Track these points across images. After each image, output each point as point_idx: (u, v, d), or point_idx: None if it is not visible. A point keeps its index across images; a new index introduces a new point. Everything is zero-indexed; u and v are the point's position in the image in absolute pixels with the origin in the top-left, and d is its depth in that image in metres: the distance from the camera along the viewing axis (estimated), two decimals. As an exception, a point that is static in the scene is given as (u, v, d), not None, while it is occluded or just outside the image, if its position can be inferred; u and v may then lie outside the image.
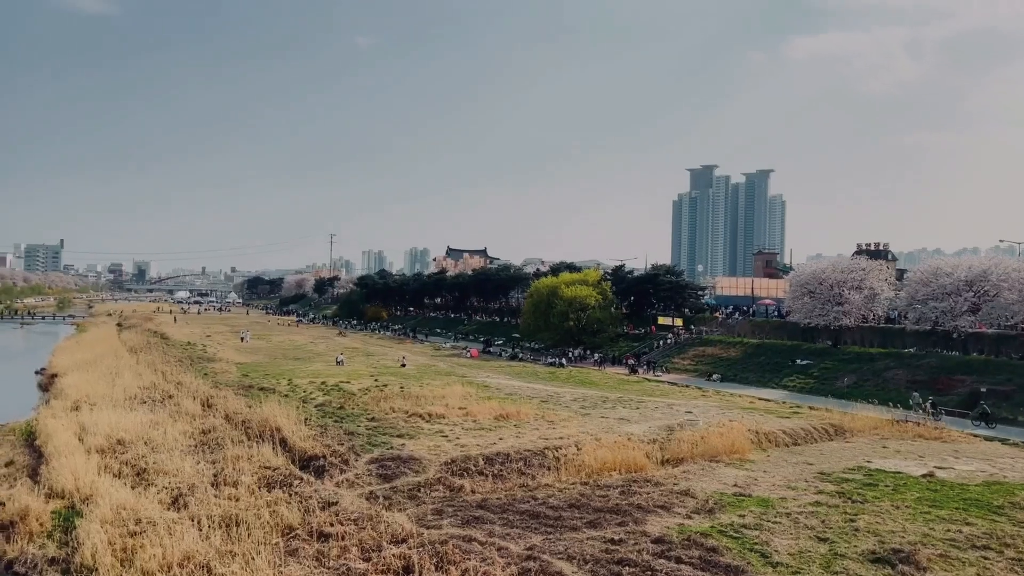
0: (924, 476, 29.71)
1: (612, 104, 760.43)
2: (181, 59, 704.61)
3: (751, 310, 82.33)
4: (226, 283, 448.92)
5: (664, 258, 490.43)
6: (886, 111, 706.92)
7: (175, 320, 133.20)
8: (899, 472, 30.43)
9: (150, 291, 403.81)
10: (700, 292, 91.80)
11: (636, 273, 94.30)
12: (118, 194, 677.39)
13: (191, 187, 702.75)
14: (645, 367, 68.01)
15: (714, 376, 63.09)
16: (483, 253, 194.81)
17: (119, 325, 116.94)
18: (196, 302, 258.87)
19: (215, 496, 24.85)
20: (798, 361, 61.81)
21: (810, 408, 47.48)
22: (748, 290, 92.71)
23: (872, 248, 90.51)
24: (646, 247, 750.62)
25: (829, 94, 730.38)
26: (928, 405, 43.27)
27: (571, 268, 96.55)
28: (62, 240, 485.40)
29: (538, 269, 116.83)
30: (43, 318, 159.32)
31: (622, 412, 42.90)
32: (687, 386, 59.27)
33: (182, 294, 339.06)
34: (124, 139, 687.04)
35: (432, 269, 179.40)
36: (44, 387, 56.56)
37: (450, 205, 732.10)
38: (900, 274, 74.61)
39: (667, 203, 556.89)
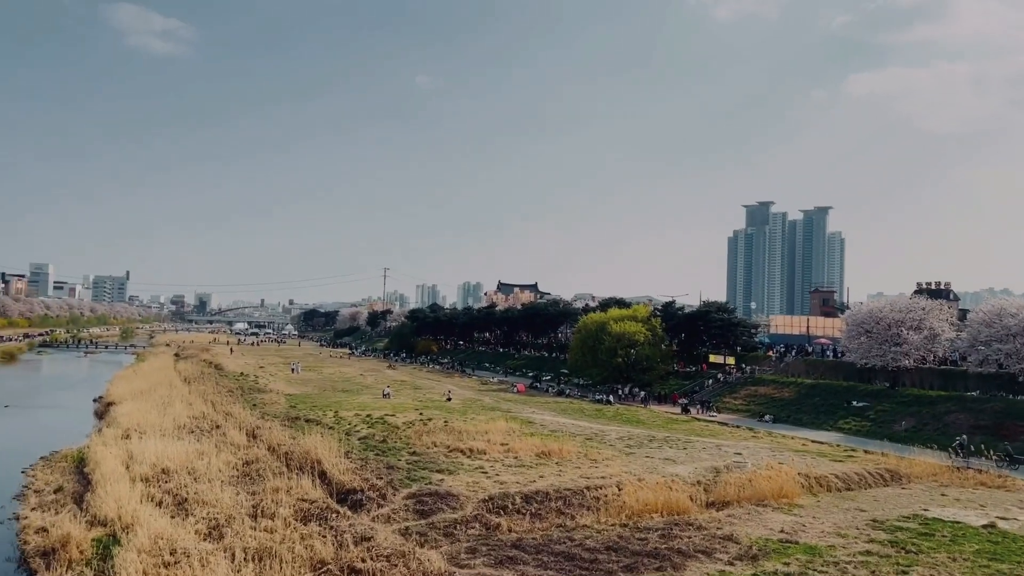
0: (985, 527, 28.25)
1: (667, 138, 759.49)
2: (245, 94, 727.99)
3: (807, 349, 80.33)
4: (284, 315, 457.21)
5: (719, 295, 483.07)
6: (949, 148, 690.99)
7: (231, 351, 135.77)
8: (957, 522, 28.99)
9: (210, 322, 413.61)
10: (753, 330, 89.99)
11: (687, 309, 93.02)
12: (181, 227, 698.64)
13: (252, 220, 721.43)
14: (699, 407, 66.23)
15: (766, 417, 61.47)
16: (534, 288, 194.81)
17: (176, 355, 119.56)
18: (253, 333, 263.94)
19: (251, 528, 24.91)
20: (854, 403, 59.87)
21: (865, 452, 45.80)
22: (803, 329, 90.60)
23: (933, 287, 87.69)
24: (700, 284, 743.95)
25: (890, 131, 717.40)
26: (991, 451, 41.34)
27: (620, 304, 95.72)
28: (128, 272, 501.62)
29: (587, 304, 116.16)
30: (106, 347, 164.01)
31: (668, 452, 41.95)
32: (737, 426, 57.81)
33: (240, 326, 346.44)
34: (189, 175, 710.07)
35: (484, 303, 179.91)
36: (100, 415, 57.92)
37: (504, 240, 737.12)
38: (962, 315, 71.94)
39: (722, 240, 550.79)
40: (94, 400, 65.93)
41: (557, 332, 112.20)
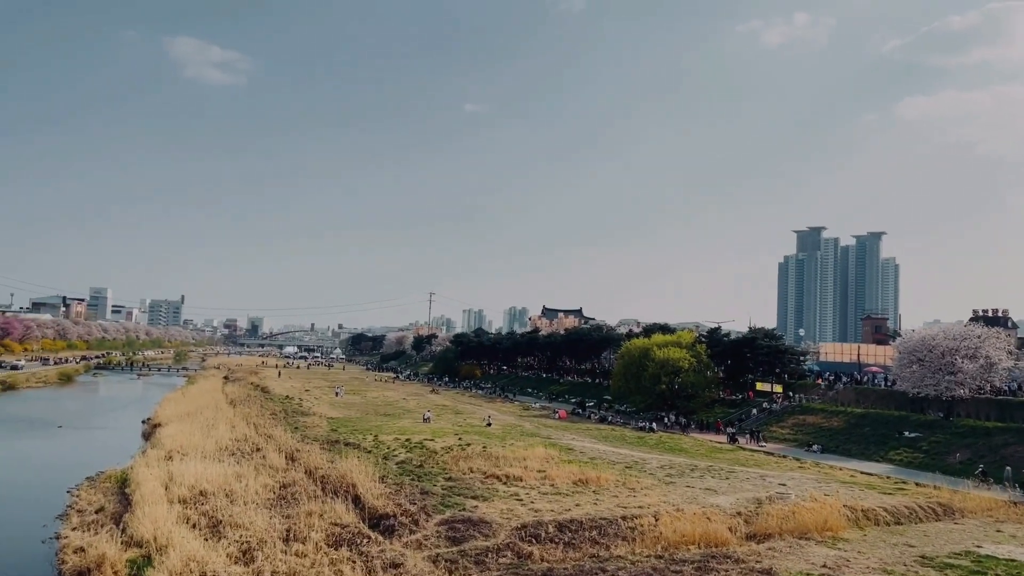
0: (1042, 566, 26.91)
1: (716, 164, 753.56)
2: (297, 122, 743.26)
3: (858, 377, 78.28)
4: (332, 339, 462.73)
5: (769, 322, 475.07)
6: (1008, 172, 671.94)
7: (279, 374, 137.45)
8: (1013, 560, 27.71)
9: (261, 346, 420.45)
10: (801, 357, 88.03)
11: (733, 336, 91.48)
12: (235, 251, 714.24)
13: (303, 245, 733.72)
14: (748, 436, 64.34)
15: (814, 446, 59.83)
16: (578, 313, 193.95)
17: (225, 378, 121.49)
18: (302, 357, 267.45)
19: (283, 552, 24.93)
20: (906, 433, 57.97)
21: (916, 485, 44.17)
22: (854, 356, 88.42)
23: (990, 315, 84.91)
24: (749, 310, 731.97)
25: (946, 154, 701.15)
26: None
27: (664, 329, 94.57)
28: (182, 296, 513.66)
29: (631, 330, 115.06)
30: (159, 370, 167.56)
31: (710, 482, 41.03)
32: (784, 456, 56.41)
33: (290, 349, 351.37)
34: (243, 201, 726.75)
35: (528, 328, 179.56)
36: (147, 436, 58.93)
37: (551, 265, 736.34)
38: (1021, 343, 69.46)
39: (772, 265, 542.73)
40: (143, 421, 67.17)
41: (600, 358, 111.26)
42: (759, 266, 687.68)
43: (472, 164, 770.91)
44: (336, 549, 25.62)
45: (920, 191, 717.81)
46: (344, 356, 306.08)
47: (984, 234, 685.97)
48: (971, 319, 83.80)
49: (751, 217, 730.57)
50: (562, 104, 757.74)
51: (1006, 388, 61.65)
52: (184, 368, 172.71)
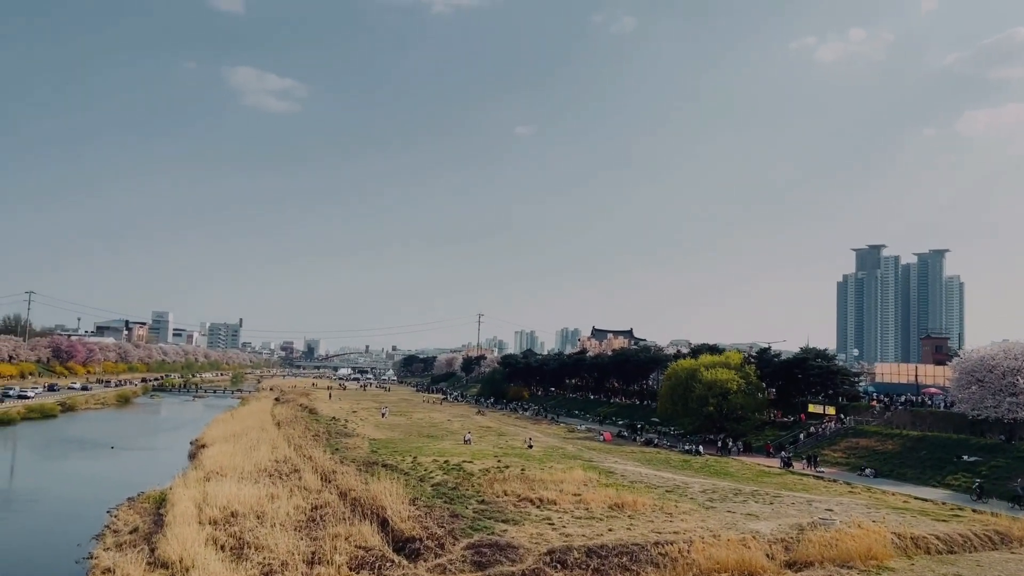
0: (1104, 601, 25.21)
1: (771, 182, 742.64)
2: (350, 146, 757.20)
3: (914, 399, 75.53)
4: (387, 361, 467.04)
5: (828, 343, 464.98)
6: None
7: (329, 396, 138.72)
8: (1073, 594, 26.02)
9: (317, 367, 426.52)
10: (855, 378, 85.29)
11: (783, 356, 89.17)
12: (292, 275, 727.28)
13: (358, 265, 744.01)
14: (805, 461, 61.06)
15: (866, 471, 57.66)
16: (628, 334, 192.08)
17: (276, 399, 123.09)
18: (355, 379, 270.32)
19: (304, 575, 24.71)
20: (964, 457, 55.46)
21: (973, 511, 42.12)
22: (912, 377, 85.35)
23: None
24: (807, 331, 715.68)
25: (1011, 168, 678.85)
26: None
27: (713, 350, 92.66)
28: (241, 319, 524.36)
29: (678, 350, 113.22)
30: (214, 392, 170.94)
31: (753, 507, 39.75)
32: (834, 481, 54.47)
33: (344, 371, 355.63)
34: (300, 225, 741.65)
35: (577, 349, 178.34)
36: (192, 456, 59.77)
37: (603, 286, 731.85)
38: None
39: (830, 285, 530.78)
40: (191, 442, 68.24)
41: (648, 379, 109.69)
42: (817, 286, 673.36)
43: (524, 184, 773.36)
44: (358, 573, 25.34)
45: (984, 206, 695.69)
46: (396, 377, 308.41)
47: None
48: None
49: (808, 236, 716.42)
50: (614, 124, 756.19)
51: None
52: (239, 390, 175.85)
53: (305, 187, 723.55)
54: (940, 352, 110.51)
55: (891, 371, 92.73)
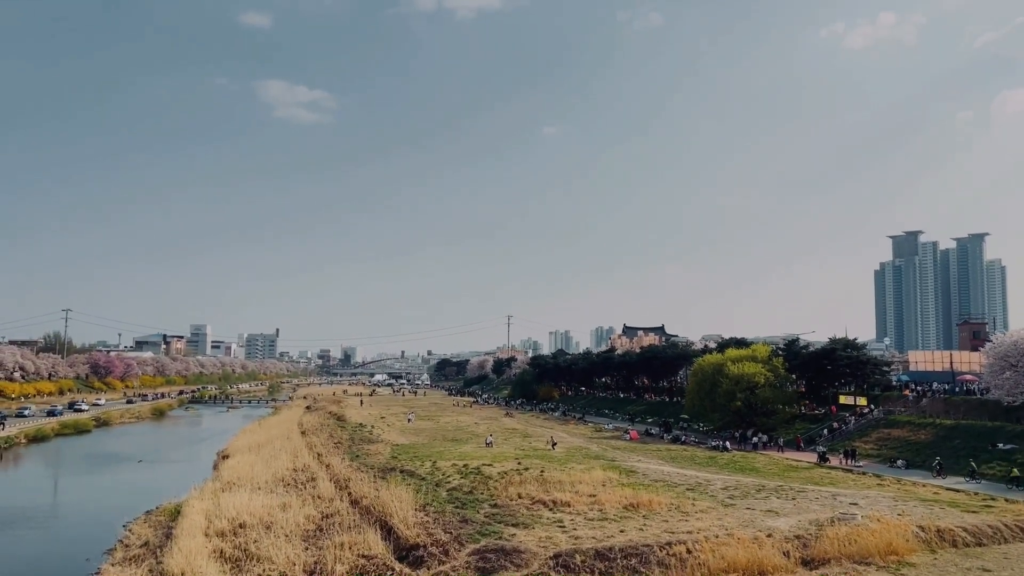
0: None
1: (805, 172, 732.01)
2: (384, 159, 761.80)
3: (948, 387, 73.47)
4: (422, 366, 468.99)
5: (867, 332, 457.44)
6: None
7: (361, 403, 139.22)
8: (1103, 586, 24.80)
9: (353, 375, 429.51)
10: (886, 368, 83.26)
11: (811, 348, 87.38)
12: (328, 283, 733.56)
13: (393, 272, 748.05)
14: (842, 456, 58.74)
15: (898, 462, 56.15)
16: (660, 331, 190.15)
17: (308, 408, 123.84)
18: (388, 384, 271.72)
19: (302, 585, 24.44)
20: (999, 445, 53.76)
21: (1006, 501, 40.70)
22: (947, 365, 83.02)
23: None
24: (845, 321, 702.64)
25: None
26: None
27: (740, 343, 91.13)
28: (277, 330, 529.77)
29: (706, 345, 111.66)
30: (249, 402, 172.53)
31: (774, 503, 38.78)
32: (864, 473, 53.12)
33: (379, 377, 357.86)
34: (333, 233, 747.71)
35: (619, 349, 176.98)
36: (216, 467, 60.07)
37: (637, 283, 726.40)
38: None
39: (867, 274, 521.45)
40: (217, 454, 68.67)
41: (677, 376, 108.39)
42: (855, 275, 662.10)
43: (554, 184, 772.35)
44: (358, 582, 24.97)
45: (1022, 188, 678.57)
46: (429, 382, 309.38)
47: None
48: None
49: (844, 224, 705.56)
50: (643, 121, 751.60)
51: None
52: (274, 400, 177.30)
53: (337, 196, 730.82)
54: (977, 338, 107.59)
55: (925, 359, 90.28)
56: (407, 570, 26.54)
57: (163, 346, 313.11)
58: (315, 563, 27.17)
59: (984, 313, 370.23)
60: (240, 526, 32.74)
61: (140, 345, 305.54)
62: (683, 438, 76.48)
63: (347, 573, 25.69)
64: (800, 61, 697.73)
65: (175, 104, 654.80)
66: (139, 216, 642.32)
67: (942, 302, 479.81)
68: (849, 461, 57.53)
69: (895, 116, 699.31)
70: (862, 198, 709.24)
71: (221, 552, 29.22)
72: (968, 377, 75.17)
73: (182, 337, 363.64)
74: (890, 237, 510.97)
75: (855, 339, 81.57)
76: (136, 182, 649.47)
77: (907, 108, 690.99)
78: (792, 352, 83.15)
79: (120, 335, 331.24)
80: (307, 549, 29.23)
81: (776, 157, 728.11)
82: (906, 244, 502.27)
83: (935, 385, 72.61)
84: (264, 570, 26.02)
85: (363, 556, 27.43)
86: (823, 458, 59.06)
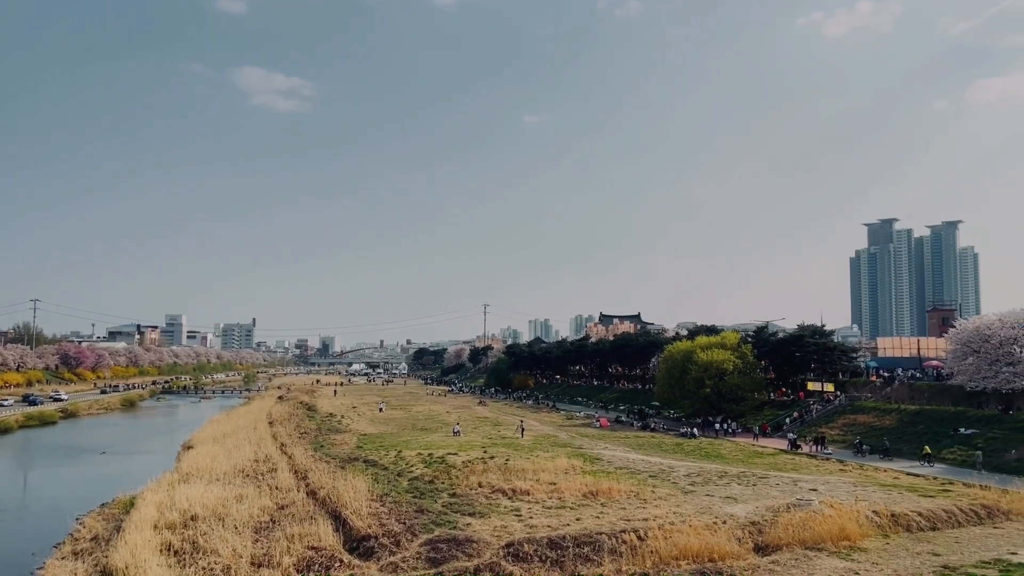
0: (1081, 576, 24.15)
1: (781, 160, 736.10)
2: (362, 147, 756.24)
3: (914, 373, 74.09)
4: (401, 355, 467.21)
5: (843, 319, 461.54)
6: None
7: (335, 392, 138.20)
8: (1049, 569, 24.94)
9: (331, 364, 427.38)
10: (853, 354, 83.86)
11: (781, 335, 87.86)
12: (306, 273, 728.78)
13: (371, 260, 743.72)
14: (813, 443, 58.60)
15: (863, 447, 56.53)
16: (636, 319, 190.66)
17: (280, 398, 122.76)
18: (365, 374, 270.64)
19: (246, 578, 24.04)
20: (961, 430, 54.28)
21: (964, 485, 41.01)
22: (914, 351, 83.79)
23: (1059, 299, 79.43)
24: (820, 308, 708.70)
25: (1022, 136, 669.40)
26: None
27: (710, 331, 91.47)
28: (254, 319, 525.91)
29: (677, 333, 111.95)
30: (222, 392, 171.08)
31: (735, 490, 38.81)
32: (827, 459, 53.47)
33: (357, 366, 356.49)
34: (311, 222, 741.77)
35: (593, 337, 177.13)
36: (179, 458, 59.32)
37: (617, 272, 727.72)
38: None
39: (843, 261, 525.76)
40: (181, 444, 67.83)
41: (649, 364, 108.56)
42: (831, 262, 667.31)
43: (535, 173, 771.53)
44: (305, 574, 24.63)
45: (997, 175, 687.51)
46: (407, 371, 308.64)
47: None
48: (1039, 305, 78.41)
49: (821, 213, 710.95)
50: (622, 109, 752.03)
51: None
52: (248, 390, 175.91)
53: (315, 184, 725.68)
54: (946, 324, 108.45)
55: (893, 345, 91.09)
56: (356, 561, 26.22)
57: (137, 336, 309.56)
58: (264, 555, 26.74)
59: (956, 300, 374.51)
60: (191, 518, 32.21)
61: (113, 336, 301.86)
62: (653, 425, 76.64)
63: (294, 565, 25.30)
64: (778, 49, 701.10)
65: (150, 91, 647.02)
66: (115, 205, 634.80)
67: (916, 289, 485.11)
68: (819, 448, 57.80)
69: (872, 104, 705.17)
70: (839, 186, 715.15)
71: (169, 545, 28.72)
72: (935, 363, 75.83)
73: (156, 327, 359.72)
74: (865, 225, 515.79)
75: (823, 326, 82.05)
76: (111, 170, 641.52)
77: (884, 96, 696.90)
78: (761, 339, 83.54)
79: (94, 326, 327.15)
80: (257, 541, 28.82)
81: (755, 145, 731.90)
82: (881, 232, 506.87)
83: (899, 371, 73.18)
84: (209, 563, 25.56)
85: (312, 548, 27.05)
86: (794, 445, 59.35)
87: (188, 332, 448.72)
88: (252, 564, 25.75)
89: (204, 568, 25.05)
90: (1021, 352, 55.48)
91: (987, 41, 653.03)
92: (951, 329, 64.02)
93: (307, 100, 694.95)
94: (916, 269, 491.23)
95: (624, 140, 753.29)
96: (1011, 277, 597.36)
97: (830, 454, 55.71)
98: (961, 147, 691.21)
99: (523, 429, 66.21)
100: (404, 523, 30.40)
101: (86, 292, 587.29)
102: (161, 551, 27.89)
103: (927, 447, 52.42)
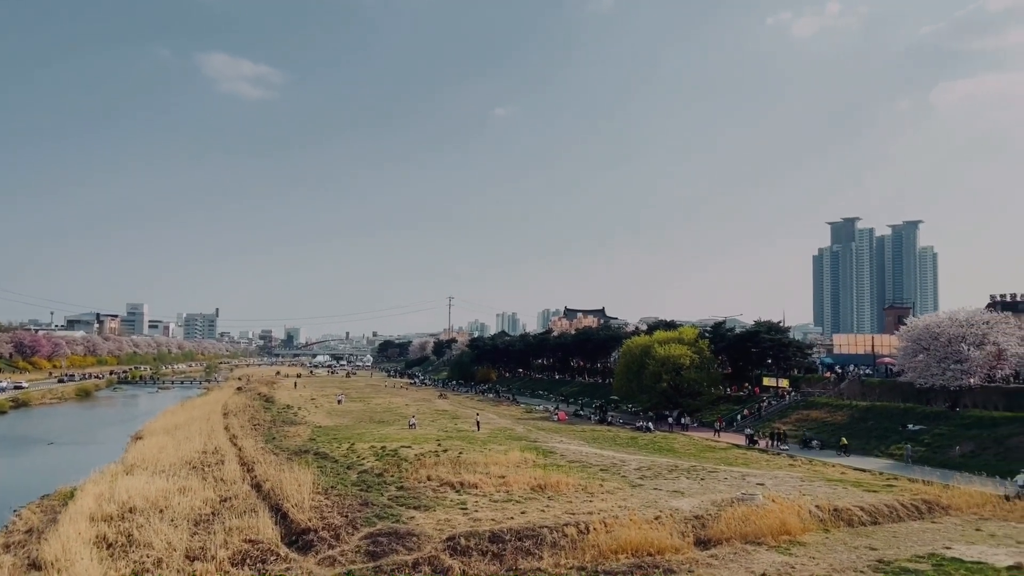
0: (1010, 568, 24.66)
1: (747, 158, 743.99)
2: (330, 137, 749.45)
3: (866, 370, 75.25)
4: (367, 347, 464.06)
5: (805, 317, 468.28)
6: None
7: (295, 384, 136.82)
8: (980, 562, 25.44)
9: (295, 356, 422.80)
10: (808, 350, 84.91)
11: (738, 330, 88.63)
12: (271, 263, 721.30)
13: (338, 251, 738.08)
14: (770, 439, 58.45)
15: (813, 442, 57.23)
16: (600, 313, 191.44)
17: (239, 389, 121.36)
18: (328, 366, 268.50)
19: (177, 573, 23.62)
20: (909, 426, 55.15)
21: (909, 480, 41.71)
22: (868, 348, 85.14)
23: (1008, 299, 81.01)
24: (784, 305, 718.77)
25: (985, 138, 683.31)
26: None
27: (669, 326, 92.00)
28: (217, 309, 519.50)
29: (636, 327, 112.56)
30: (181, 383, 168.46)
31: (683, 484, 39.05)
32: (778, 454, 54.02)
33: (322, 358, 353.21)
34: (277, 212, 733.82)
35: (556, 331, 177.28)
36: (127, 449, 58.24)
37: (585, 266, 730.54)
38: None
39: (806, 259, 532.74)
40: (132, 435, 66.62)
41: (610, 357, 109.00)
42: (795, 260, 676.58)
43: (504, 166, 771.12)
44: (240, 568, 24.24)
45: (958, 176, 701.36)
46: (371, 363, 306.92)
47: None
48: (988, 304, 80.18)
49: (785, 211, 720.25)
50: (592, 103, 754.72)
51: (1017, 375, 58.35)
52: (208, 380, 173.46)
53: (282, 174, 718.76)
54: (902, 322, 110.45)
55: (848, 342, 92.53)
56: (293, 555, 25.86)
57: (96, 325, 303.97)
58: (200, 548, 26.25)
59: (915, 299, 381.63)
60: (130, 511, 31.55)
61: (72, 324, 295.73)
62: (610, 419, 76.91)
63: (229, 559, 24.87)
64: (747, 48, 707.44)
65: (113, 75, 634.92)
66: (73, 193, 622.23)
67: (877, 287, 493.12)
68: (775, 444, 57.86)
69: (839, 104, 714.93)
70: (806, 184, 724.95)
71: (104, 538, 28.08)
72: (888, 360, 77.09)
73: (116, 316, 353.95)
74: (829, 223, 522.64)
75: (780, 322, 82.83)
76: (74, 157, 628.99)
77: (849, 96, 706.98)
78: (718, 334, 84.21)
79: (52, 314, 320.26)
80: (195, 534, 28.28)
81: (723, 143, 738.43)
82: (844, 230, 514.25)
83: (852, 368, 74.28)
84: (141, 556, 25.02)
85: (249, 541, 26.61)
86: (752, 440, 59.39)
87: (150, 322, 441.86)
88: (187, 558, 25.24)
89: (135, 561, 24.52)
90: (968, 350, 56.44)
91: (952, 44, 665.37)
92: (902, 327, 64.94)
93: (275, 88, 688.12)
94: (877, 267, 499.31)
95: (594, 137, 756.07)
96: (969, 277, 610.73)
97: (786, 449, 56.04)
98: (924, 148, 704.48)
99: (479, 422, 66.03)
100: (346, 516, 30.08)
101: (47, 281, 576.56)
102: (95, 544, 27.25)
103: (844, 439, 54.63)
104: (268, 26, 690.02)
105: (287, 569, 24.08)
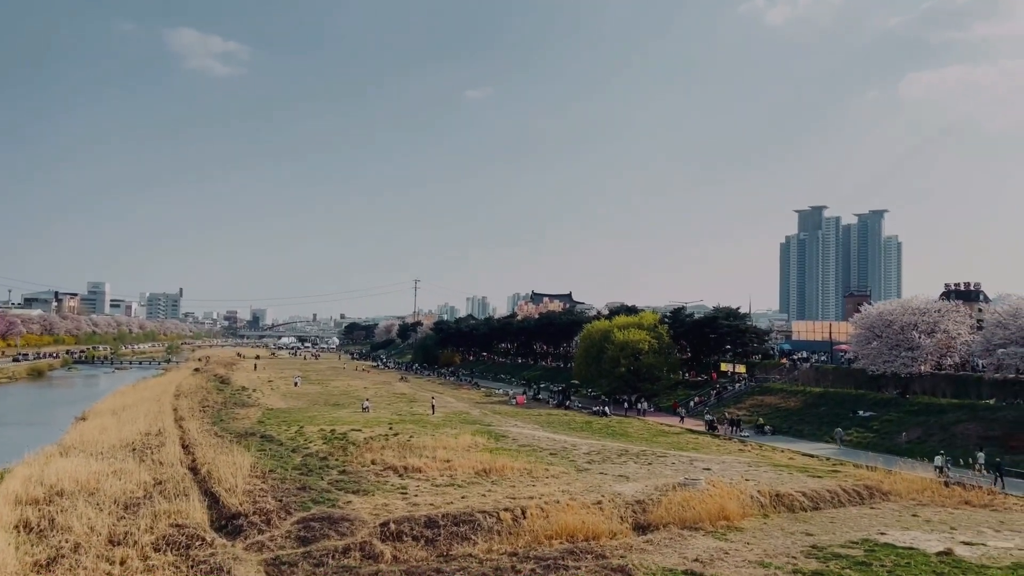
0: (939, 554, 24.71)
1: (718, 145, 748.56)
2: (300, 116, 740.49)
3: (821, 356, 75.92)
4: (334, 329, 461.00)
5: (772, 303, 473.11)
6: (1014, 148, 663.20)
7: (255, 366, 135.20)
8: (912, 548, 25.49)
9: (260, 337, 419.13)
10: (765, 337, 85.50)
11: (696, 316, 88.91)
12: (237, 243, 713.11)
13: (308, 233, 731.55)
14: (730, 427, 57.31)
15: (766, 428, 57.56)
16: (567, 298, 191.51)
17: (196, 370, 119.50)
18: (292, 348, 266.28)
19: (96, 558, 22.82)
20: (859, 412, 55.70)
21: (854, 466, 41.98)
22: (826, 335, 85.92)
23: (962, 288, 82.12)
24: (751, 292, 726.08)
25: (951, 130, 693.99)
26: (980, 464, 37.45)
27: (630, 311, 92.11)
28: (181, 289, 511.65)
29: (599, 312, 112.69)
30: (139, 363, 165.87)
31: (630, 468, 38.86)
32: (729, 439, 54.21)
33: (287, 340, 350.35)
34: (245, 191, 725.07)
35: (520, 315, 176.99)
36: (68, 431, 56.88)
37: (554, 251, 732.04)
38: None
39: (773, 246, 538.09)
40: (76, 417, 65.10)
41: (572, 341, 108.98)
42: (763, 247, 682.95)
43: (476, 147, 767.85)
44: (163, 553, 23.52)
45: (924, 167, 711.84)
46: (337, 346, 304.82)
47: (987, 210, 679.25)
48: (943, 293, 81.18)
49: (754, 198, 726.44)
50: (563, 87, 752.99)
51: (967, 364, 59.16)
52: (168, 361, 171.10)
53: (250, 152, 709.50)
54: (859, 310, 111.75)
55: (807, 329, 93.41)
56: (220, 540, 25.15)
57: (55, 304, 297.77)
58: (124, 533, 25.45)
59: (879, 287, 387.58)
60: (58, 494, 30.54)
61: (29, 303, 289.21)
62: (568, 403, 76.86)
63: (152, 544, 24.13)
64: (719, 35, 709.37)
65: (76, 50, 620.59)
66: (40, 170, 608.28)
67: (842, 275, 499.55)
68: (735, 430, 57.27)
69: (807, 93, 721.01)
70: (775, 172, 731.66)
71: (26, 522, 27.13)
72: (844, 347, 77.81)
73: (76, 295, 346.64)
74: (796, 211, 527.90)
75: (739, 308, 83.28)
76: (35, 134, 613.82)
77: (819, 86, 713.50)
78: (677, 320, 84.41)
79: (10, 292, 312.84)
80: (122, 518, 27.43)
81: (694, 130, 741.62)
82: (811, 219, 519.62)
83: (804, 354, 74.88)
84: (60, 541, 24.16)
85: (176, 525, 25.83)
86: (711, 426, 58.76)
87: (112, 301, 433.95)
88: (110, 542, 24.44)
89: (53, 546, 23.66)
90: (920, 338, 57.01)
91: (921, 35, 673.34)
92: (856, 314, 65.49)
93: (243, 65, 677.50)
94: (843, 256, 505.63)
95: (565, 122, 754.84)
96: (931, 266, 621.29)
97: (746, 436, 55.68)
98: (891, 138, 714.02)
99: (434, 406, 65.53)
100: (281, 501, 29.42)
101: (8, 259, 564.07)
102: (15, 528, 26.31)
103: (761, 419, 57.36)
104: (238, 1, 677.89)
105: (211, 554, 23.37)
